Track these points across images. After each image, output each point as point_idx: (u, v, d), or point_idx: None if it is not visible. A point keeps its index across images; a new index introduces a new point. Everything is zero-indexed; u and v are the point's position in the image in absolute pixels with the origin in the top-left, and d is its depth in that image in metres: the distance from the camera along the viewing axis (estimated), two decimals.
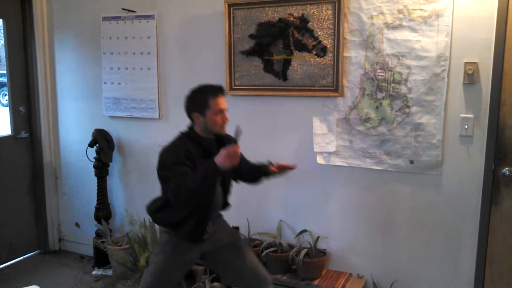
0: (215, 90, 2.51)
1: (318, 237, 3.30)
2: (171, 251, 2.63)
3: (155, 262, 2.64)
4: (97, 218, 4.10)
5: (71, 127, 4.36)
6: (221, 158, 2.29)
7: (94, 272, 4.04)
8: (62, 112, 4.39)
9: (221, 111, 2.50)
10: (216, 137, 2.60)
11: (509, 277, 2.89)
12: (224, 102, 2.52)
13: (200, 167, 2.38)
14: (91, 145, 4.03)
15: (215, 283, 3.33)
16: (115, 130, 4.10)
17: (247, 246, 2.91)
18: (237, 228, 3.33)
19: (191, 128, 2.59)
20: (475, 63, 2.80)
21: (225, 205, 2.75)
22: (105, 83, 4.07)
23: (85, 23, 4.11)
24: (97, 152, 4.04)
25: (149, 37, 3.82)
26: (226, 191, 2.70)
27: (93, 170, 4.08)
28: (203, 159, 2.45)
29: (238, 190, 2.97)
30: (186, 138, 2.55)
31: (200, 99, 2.49)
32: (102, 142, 4.01)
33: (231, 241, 2.72)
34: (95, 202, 4.13)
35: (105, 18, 3.97)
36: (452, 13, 2.81)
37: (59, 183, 4.52)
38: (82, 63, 4.20)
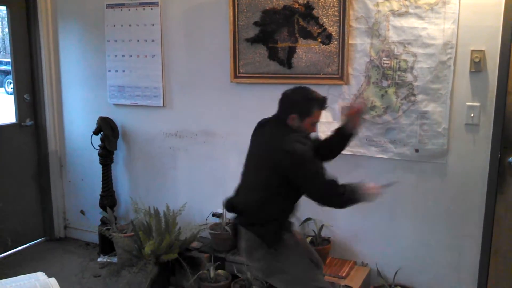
0: (322, 103, 2.49)
1: (322, 225, 3.30)
2: (297, 249, 2.53)
3: (297, 275, 2.45)
4: (102, 206, 4.12)
5: (76, 115, 4.36)
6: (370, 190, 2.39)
7: (99, 259, 4.07)
8: (67, 100, 4.39)
9: (317, 123, 2.54)
10: None
11: None
12: (321, 115, 2.54)
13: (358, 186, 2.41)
14: (95, 133, 4.03)
15: (219, 271, 3.35)
16: (120, 118, 4.10)
17: None
18: None
19: (287, 123, 2.48)
20: (481, 50, 2.77)
21: None
22: (109, 70, 4.06)
23: (89, 11, 4.10)
24: (101, 140, 4.04)
25: (153, 25, 3.80)
26: None
27: (97, 158, 4.08)
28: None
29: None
30: (296, 133, 2.44)
31: (307, 105, 2.45)
32: (107, 130, 4.01)
33: None
34: (100, 190, 4.14)
35: (109, 5, 3.95)
36: (459, 0, 2.77)
37: (64, 171, 4.53)
38: (86, 51, 4.19)
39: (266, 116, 2.63)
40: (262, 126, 2.62)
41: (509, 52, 2.70)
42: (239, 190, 2.62)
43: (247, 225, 2.50)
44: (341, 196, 2.34)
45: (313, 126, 2.51)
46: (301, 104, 2.46)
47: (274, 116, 2.57)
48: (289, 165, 2.33)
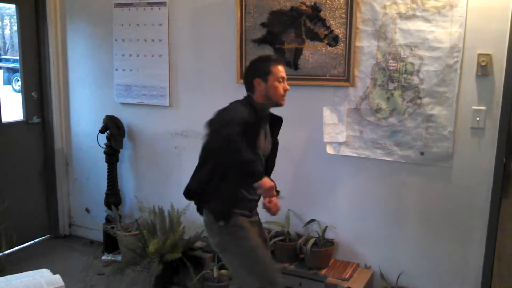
0: (275, 59, 2.58)
1: (326, 227, 3.30)
2: (245, 232, 2.52)
3: (244, 254, 2.48)
4: (107, 204, 4.14)
5: (83, 113, 4.39)
6: (264, 184, 2.31)
7: (103, 257, 4.08)
8: (74, 98, 4.41)
9: (283, 79, 2.52)
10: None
11: None
12: (284, 71, 2.55)
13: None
14: (102, 131, 4.05)
15: (223, 271, 3.35)
16: (126, 116, 4.12)
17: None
18: None
19: (248, 96, 2.57)
20: (488, 54, 2.77)
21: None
22: (116, 69, 4.08)
23: (97, 10, 4.12)
24: (107, 138, 4.06)
25: (160, 24, 3.81)
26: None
27: (103, 156, 4.10)
28: (253, 126, 2.44)
29: None
30: (241, 104, 2.50)
31: (262, 66, 2.52)
32: (113, 128, 4.03)
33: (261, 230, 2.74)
34: (105, 188, 4.16)
35: (117, 5, 3.97)
36: (467, 3, 2.78)
37: (70, 169, 4.56)
38: (94, 50, 4.21)
39: None
40: None
41: None
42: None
43: (204, 203, 2.59)
44: (239, 147, 2.26)
45: (281, 84, 2.51)
46: (255, 67, 2.55)
47: (242, 99, 2.60)
48: (207, 129, 2.34)
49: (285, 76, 2.55)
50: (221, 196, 2.48)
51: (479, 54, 2.79)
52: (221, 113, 2.39)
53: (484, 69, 2.78)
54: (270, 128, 2.66)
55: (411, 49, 2.94)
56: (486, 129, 2.84)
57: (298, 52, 3.28)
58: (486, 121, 2.84)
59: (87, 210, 4.51)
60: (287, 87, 2.56)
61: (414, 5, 2.90)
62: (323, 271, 3.17)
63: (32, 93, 4.29)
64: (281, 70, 2.52)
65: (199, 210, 2.66)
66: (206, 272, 3.31)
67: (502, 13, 2.71)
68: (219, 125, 2.31)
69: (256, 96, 2.53)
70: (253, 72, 2.54)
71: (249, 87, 2.56)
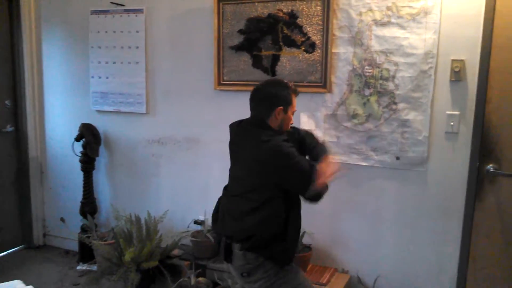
0: (294, 88, 2.39)
1: (304, 232, 3.29)
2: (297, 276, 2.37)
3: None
4: (83, 213, 4.08)
5: (58, 121, 4.33)
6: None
7: (78, 267, 4.01)
8: (49, 106, 4.35)
9: (294, 112, 2.41)
10: None
11: (491, 273, 2.92)
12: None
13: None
14: (77, 139, 4.00)
15: (200, 278, 3.33)
16: (102, 124, 4.08)
17: None
18: None
19: (262, 122, 2.33)
20: (462, 60, 2.83)
21: None
22: (92, 77, 4.04)
23: (73, 17, 4.09)
24: (83, 146, 4.01)
25: (137, 31, 3.80)
26: None
27: (79, 164, 4.05)
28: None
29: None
30: (278, 135, 2.29)
31: (285, 95, 2.33)
32: (89, 136, 3.98)
33: None
34: (81, 197, 4.09)
35: (94, 12, 3.94)
36: (440, 10, 2.83)
37: (44, 178, 4.48)
38: (70, 57, 4.17)
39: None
40: (240, 135, 2.44)
41: (488, 62, 2.76)
42: (231, 214, 2.36)
43: (252, 249, 2.27)
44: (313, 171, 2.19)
45: (291, 117, 2.40)
46: (278, 94, 2.33)
47: (251, 120, 2.40)
48: (279, 166, 2.20)
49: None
50: (288, 237, 2.29)
51: (452, 60, 2.85)
52: (275, 148, 2.21)
53: (457, 74, 2.84)
54: None
55: (387, 55, 2.99)
56: (460, 134, 2.89)
57: (275, 58, 3.30)
58: (460, 126, 2.89)
59: (62, 219, 4.43)
60: (293, 120, 2.44)
61: (389, 12, 2.95)
62: None
63: (6, 101, 4.22)
64: (295, 101, 2.40)
65: (229, 248, 2.34)
66: (183, 280, 3.28)
67: (474, 19, 2.78)
68: (288, 159, 2.19)
69: (272, 124, 2.33)
70: (276, 99, 2.32)
71: (266, 112, 2.33)
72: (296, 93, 2.40)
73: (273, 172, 2.22)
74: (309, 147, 2.48)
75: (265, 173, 2.23)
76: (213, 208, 2.55)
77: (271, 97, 2.33)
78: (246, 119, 2.43)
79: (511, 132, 2.78)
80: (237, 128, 2.47)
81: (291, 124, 2.43)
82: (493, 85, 2.78)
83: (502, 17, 2.72)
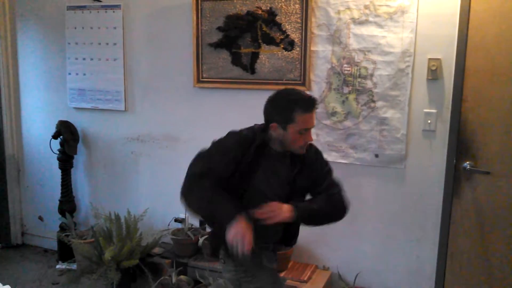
0: (307, 104, 2.05)
1: None
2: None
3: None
4: (61, 212, 4.03)
5: (35, 119, 4.26)
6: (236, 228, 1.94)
7: (58, 266, 3.98)
8: (25, 103, 4.28)
9: (306, 130, 2.09)
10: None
11: (469, 268, 2.98)
12: (313, 119, 2.09)
13: (225, 204, 2.03)
14: (55, 137, 3.94)
15: (181, 276, 3.33)
16: (80, 122, 4.03)
17: None
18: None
19: (264, 132, 2.16)
20: (438, 59, 2.86)
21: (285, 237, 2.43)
22: (69, 73, 3.99)
23: (49, 12, 4.01)
24: (61, 144, 3.96)
25: (115, 28, 3.75)
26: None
27: (57, 162, 4.00)
28: (252, 165, 2.13)
29: None
30: (252, 137, 2.14)
31: (286, 110, 2.05)
32: (67, 134, 3.93)
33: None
34: (59, 195, 4.05)
35: (70, 7, 3.88)
36: (417, 9, 2.86)
37: (21, 176, 4.42)
38: (46, 53, 4.10)
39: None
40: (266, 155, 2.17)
41: (464, 60, 2.79)
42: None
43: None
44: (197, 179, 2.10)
45: (303, 136, 2.08)
46: (277, 106, 2.10)
47: (260, 129, 2.20)
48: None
49: (313, 125, 2.11)
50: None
51: (429, 59, 2.88)
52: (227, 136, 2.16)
53: (434, 73, 2.87)
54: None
55: (365, 54, 3.00)
56: (437, 131, 2.93)
57: (254, 56, 3.29)
58: (437, 124, 2.92)
59: (40, 218, 4.38)
60: (311, 138, 2.14)
61: (367, 11, 2.96)
62: (282, 274, 3.18)
63: None
64: (308, 119, 2.06)
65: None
66: (164, 279, 3.27)
67: (450, 19, 2.81)
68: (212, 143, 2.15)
69: (271, 134, 2.15)
70: (272, 113, 2.10)
71: (266, 122, 2.17)
72: (308, 109, 2.06)
73: None
74: (318, 190, 2.26)
75: None
76: None
77: (268, 108, 2.15)
78: None
79: (486, 130, 2.83)
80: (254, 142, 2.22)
81: (306, 143, 2.16)
82: (468, 83, 2.82)
83: (477, 17, 2.75)
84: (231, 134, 2.19)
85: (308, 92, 3.17)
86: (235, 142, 2.14)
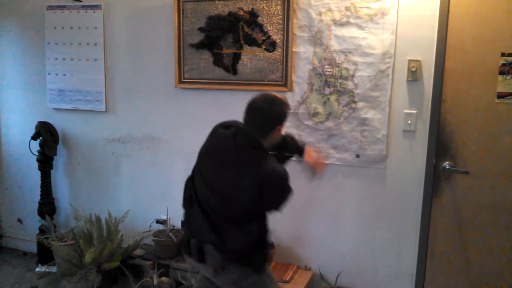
0: (289, 105, 2.42)
1: None
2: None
3: None
4: (41, 214, 3.98)
5: (13, 120, 4.20)
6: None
7: (37, 269, 3.92)
8: (4, 103, 4.22)
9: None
10: None
11: (449, 268, 3.02)
12: None
13: None
14: (34, 138, 3.89)
15: (163, 278, 3.31)
16: (60, 122, 3.98)
17: None
18: None
19: (259, 145, 2.28)
20: (418, 60, 2.89)
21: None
22: (49, 74, 3.94)
23: (28, 12, 3.96)
24: (40, 145, 3.91)
25: (95, 28, 3.72)
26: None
27: (36, 164, 3.95)
28: None
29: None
30: (271, 156, 2.33)
31: (286, 114, 2.33)
32: (46, 135, 3.89)
33: None
34: (39, 197, 4.00)
35: (50, 7, 3.84)
36: (397, 12, 2.89)
37: (0, 178, 4.35)
38: (25, 53, 4.05)
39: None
40: (234, 154, 2.26)
41: (443, 62, 2.83)
42: (211, 228, 2.28)
43: (233, 260, 2.29)
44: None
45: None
46: (281, 113, 2.31)
47: (249, 140, 2.27)
48: (273, 187, 2.23)
49: None
50: (262, 246, 2.36)
51: (409, 60, 2.91)
52: (273, 170, 2.24)
53: (414, 74, 2.91)
54: None
55: (346, 55, 3.03)
56: (417, 132, 2.97)
57: (236, 57, 3.30)
58: (417, 124, 2.96)
59: (19, 220, 4.32)
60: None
61: (348, 13, 2.99)
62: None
63: None
64: None
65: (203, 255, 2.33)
66: (145, 280, 3.25)
67: (429, 21, 2.84)
68: (285, 181, 2.27)
69: (267, 142, 2.31)
70: (279, 119, 2.30)
71: (268, 131, 2.29)
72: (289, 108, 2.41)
73: (266, 193, 2.22)
74: (290, 147, 2.62)
75: (261, 198, 2.21)
76: (180, 202, 2.47)
77: (274, 116, 2.28)
78: (242, 135, 2.29)
79: (465, 130, 2.87)
80: (232, 145, 2.27)
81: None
82: (448, 84, 2.86)
83: (455, 19, 2.79)
84: (283, 171, 2.29)
85: (290, 93, 3.20)
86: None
